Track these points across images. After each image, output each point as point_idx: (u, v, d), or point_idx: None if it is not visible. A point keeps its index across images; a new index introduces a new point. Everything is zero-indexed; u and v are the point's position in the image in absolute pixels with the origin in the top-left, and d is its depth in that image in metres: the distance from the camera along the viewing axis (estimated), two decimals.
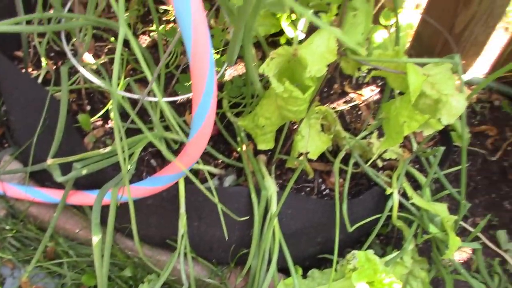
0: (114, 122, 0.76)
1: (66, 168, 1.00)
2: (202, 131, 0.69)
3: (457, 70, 0.95)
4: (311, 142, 1.09)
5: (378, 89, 1.41)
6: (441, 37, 1.54)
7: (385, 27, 1.15)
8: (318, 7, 0.88)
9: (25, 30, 0.77)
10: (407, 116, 0.91)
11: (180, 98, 1.00)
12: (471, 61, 1.58)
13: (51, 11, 1.34)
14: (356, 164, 1.22)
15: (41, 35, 1.33)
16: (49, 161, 0.96)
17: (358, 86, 1.41)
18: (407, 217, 1.17)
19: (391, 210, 1.16)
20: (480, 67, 1.66)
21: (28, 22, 1.28)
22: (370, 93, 1.39)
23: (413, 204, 1.16)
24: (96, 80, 0.90)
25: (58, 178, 0.97)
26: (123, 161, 0.82)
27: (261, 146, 1.06)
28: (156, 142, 0.82)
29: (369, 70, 1.02)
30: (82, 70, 0.92)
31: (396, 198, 1.14)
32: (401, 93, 0.98)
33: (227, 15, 0.96)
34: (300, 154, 1.11)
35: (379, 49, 1.07)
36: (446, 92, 0.92)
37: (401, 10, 1.04)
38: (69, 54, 0.92)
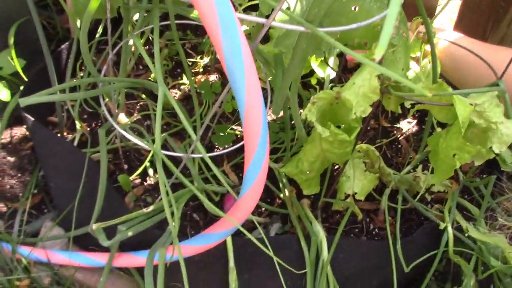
0: (160, 180, 0.74)
1: (109, 230, 0.98)
2: (256, 186, 0.67)
3: (504, 96, 0.92)
4: (357, 182, 1.06)
5: (415, 121, 1.38)
6: None
7: (414, 58, 1.13)
8: (355, 46, 0.86)
9: (66, 98, 0.77)
10: (458, 148, 0.88)
11: (223, 152, 0.98)
12: None
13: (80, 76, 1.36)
14: (404, 200, 1.18)
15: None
16: (94, 225, 0.94)
17: (395, 120, 1.38)
18: (464, 251, 1.12)
19: (446, 245, 1.11)
20: None
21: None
22: (407, 125, 1.36)
23: (469, 237, 1.11)
24: (139, 142, 0.89)
25: (105, 242, 0.95)
26: (171, 217, 0.80)
27: (307, 191, 1.03)
28: (202, 198, 0.80)
29: (412, 105, 0.99)
30: (123, 132, 0.91)
31: (450, 233, 1.09)
32: (443, 125, 0.95)
33: (263, 65, 0.96)
34: (347, 196, 1.07)
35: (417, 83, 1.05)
36: (495, 120, 0.89)
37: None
38: (109, 117, 0.92)
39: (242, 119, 0.57)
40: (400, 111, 0.94)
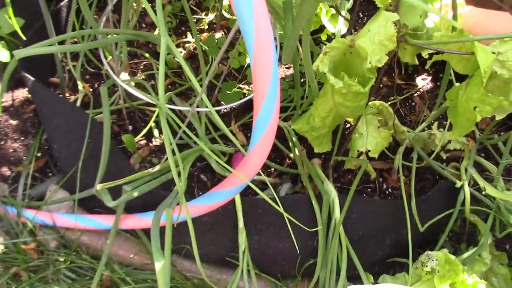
0: (164, 135, 0.70)
1: (114, 192, 0.95)
2: (265, 138, 0.63)
3: None
4: (370, 139, 1.01)
5: (430, 78, 1.32)
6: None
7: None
8: None
9: (64, 49, 0.73)
10: (479, 100, 0.83)
11: (229, 106, 0.94)
12: None
13: None
14: (418, 159, 1.13)
15: (75, 58, 1.30)
16: (98, 186, 0.91)
17: (408, 77, 1.32)
18: (480, 209, 1.08)
19: (462, 204, 1.07)
20: None
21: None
22: (422, 82, 1.31)
23: (486, 195, 1.07)
24: (141, 95, 0.85)
25: (109, 203, 0.92)
26: (178, 177, 0.77)
27: (318, 149, 0.99)
28: (212, 154, 0.76)
29: (430, 56, 0.94)
30: (125, 86, 0.87)
31: (467, 191, 1.05)
32: (460, 79, 0.90)
33: (272, 16, 0.91)
34: (359, 154, 1.03)
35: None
36: None
37: None
38: (110, 71, 0.88)
39: (250, 55, 0.53)
40: (417, 62, 0.89)
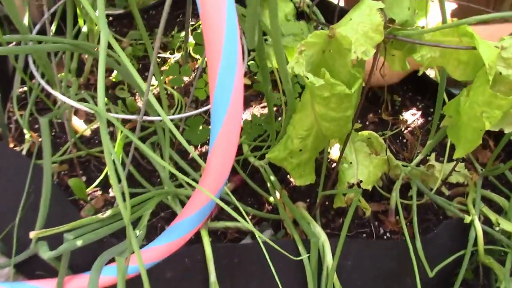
0: (105, 149, 0.55)
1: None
2: (229, 123, 0.47)
3: None
4: (361, 169, 0.86)
5: (420, 113, 1.20)
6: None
7: None
8: None
9: None
10: (485, 104, 0.70)
11: (191, 114, 0.79)
12: None
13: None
14: (417, 196, 0.98)
15: (23, 108, 1.16)
16: (32, 233, 0.74)
17: (396, 112, 1.20)
18: (496, 249, 0.92)
19: (473, 244, 0.91)
20: None
21: None
22: (411, 118, 1.19)
23: (501, 232, 0.91)
24: (76, 104, 0.70)
25: (45, 254, 0.74)
26: (126, 212, 0.60)
27: (300, 181, 0.84)
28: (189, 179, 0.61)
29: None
30: (66, 99, 0.72)
31: (478, 227, 0.89)
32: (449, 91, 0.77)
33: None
34: (350, 187, 0.87)
35: None
36: None
37: None
38: (43, 83, 0.73)
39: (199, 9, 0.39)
40: (408, 67, 0.77)
